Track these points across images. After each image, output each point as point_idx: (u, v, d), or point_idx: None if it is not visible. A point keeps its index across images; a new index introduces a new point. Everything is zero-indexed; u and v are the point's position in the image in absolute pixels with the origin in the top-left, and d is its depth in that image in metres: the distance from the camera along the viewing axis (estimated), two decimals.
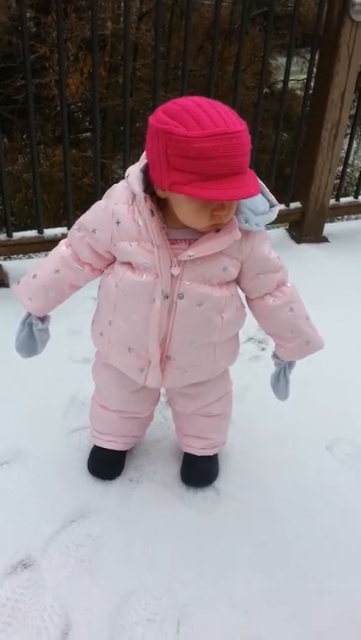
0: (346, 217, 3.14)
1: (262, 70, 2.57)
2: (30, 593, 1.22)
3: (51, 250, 2.40)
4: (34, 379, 1.76)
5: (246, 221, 1.10)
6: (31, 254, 2.50)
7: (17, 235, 2.24)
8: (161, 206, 1.07)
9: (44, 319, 1.29)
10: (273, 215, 1.15)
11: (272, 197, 1.16)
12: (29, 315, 1.27)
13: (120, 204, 1.11)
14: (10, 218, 2.25)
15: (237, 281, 1.20)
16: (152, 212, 1.06)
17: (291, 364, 1.32)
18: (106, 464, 1.48)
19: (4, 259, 2.35)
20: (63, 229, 2.29)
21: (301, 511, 1.44)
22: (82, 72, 7.20)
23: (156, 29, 2.32)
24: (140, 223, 1.08)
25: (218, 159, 0.93)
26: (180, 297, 1.12)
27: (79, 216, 2.14)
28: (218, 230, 1.07)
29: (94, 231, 1.16)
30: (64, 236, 2.29)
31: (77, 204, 2.42)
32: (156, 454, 1.55)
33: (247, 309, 1.27)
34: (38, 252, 2.40)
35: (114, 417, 1.42)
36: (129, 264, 1.15)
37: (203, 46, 8.08)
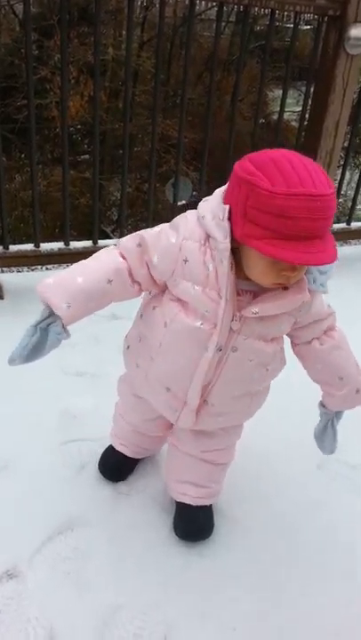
0: (341, 243, 3.19)
1: (258, 101, 2.65)
2: (15, 604, 1.20)
3: (45, 264, 2.40)
4: (25, 391, 1.76)
5: (314, 281, 1.07)
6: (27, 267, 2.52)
7: (13, 248, 2.26)
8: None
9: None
10: (332, 273, 1.11)
11: None
12: (49, 320, 1.08)
13: (191, 241, 1.04)
14: (7, 230, 2.27)
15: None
16: (232, 265, 1.01)
17: (338, 415, 1.27)
18: (113, 466, 1.49)
19: (1, 271, 2.36)
20: (60, 244, 2.32)
21: (291, 529, 1.44)
22: (82, 95, 7.33)
23: (157, 58, 2.39)
24: (210, 268, 1.03)
25: (298, 220, 0.89)
26: (234, 350, 1.09)
27: (75, 236, 2.14)
28: (286, 288, 1.03)
29: (155, 257, 1.08)
30: (60, 250, 2.34)
31: (74, 224, 2.46)
32: (147, 469, 1.55)
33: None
34: (34, 265, 2.42)
35: (128, 428, 1.45)
36: (179, 301, 1.09)
37: (201, 75, 8.28)
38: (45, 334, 1.09)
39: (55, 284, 1.08)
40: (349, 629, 1.25)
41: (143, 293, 1.22)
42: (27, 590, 1.23)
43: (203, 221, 1.03)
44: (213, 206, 1.03)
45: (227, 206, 0.99)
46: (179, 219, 1.09)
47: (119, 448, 1.48)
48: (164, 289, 1.15)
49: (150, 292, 1.21)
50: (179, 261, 1.05)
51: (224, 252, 1.00)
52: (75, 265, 1.13)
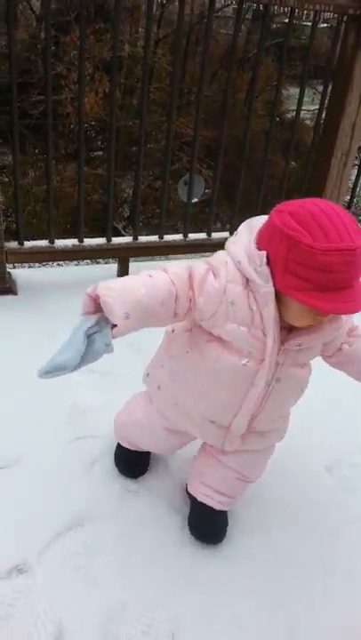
0: None
1: (276, 99, 2.64)
2: (24, 598, 1.21)
3: (59, 260, 2.39)
4: (36, 387, 1.75)
5: None
6: (38, 263, 2.53)
7: (28, 244, 2.27)
8: None
9: None
10: None
11: None
12: (96, 327, 1.02)
13: (235, 284, 1.06)
14: (22, 226, 2.28)
15: None
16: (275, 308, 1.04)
17: None
18: (129, 462, 1.51)
19: (13, 266, 2.37)
20: (74, 241, 2.33)
21: (298, 529, 1.44)
22: (97, 92, 7.35)
23: (175, 55, 2.38)
24: (254, 309, 1.05)
25: (338, 274, 0.93)
26: (277, 381, 1.14)
27: (86, 232, 2.07)
28: None
29: (201, 298, 1.08)
30: (74, 247, 2.35)
31: (86, 220, 2.47)
32: (155, 466, 1.55)
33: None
34: (47, 261, 2.43)
35: (142, 446, 1.47)
36: (220, 341, 1.11)
37: (216, 73, 8.25)
38: (91, 343, 1.01)
39: (118, 288, 1.01)
40: (354, 628, 1.25)
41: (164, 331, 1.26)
42: (36, 585, 1.24)
43: (240, 266, 1.05)
44: (247, 250, 1.04)
45: (263, 253, 1.01)
46: (218, 263, 1.08)
47: (128, 446, 1.49)
48: (191, 325, 1.18)
49: (173, 331, 1.24)
50: (223, 303, 1.06)
51: (268, 295, 1.02)
52: (132, 276, 1.08)
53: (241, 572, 1.32)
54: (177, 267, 1.10)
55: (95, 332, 1.00)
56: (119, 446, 1.53)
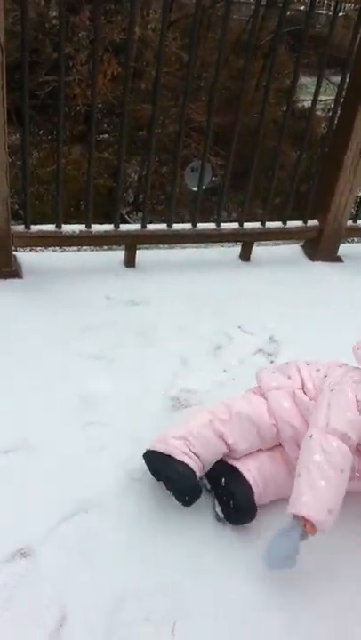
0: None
1: (293, 88, 2.61)
2: (27, 582, 1.22)
3: (66, 246, 2.37)
4: (44, 374, 1.76)
5: None
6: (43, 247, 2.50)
7: (35, 228, 2.24)
8: None
9: None
10: None
11: None
12: (298, 526, 1.22)
13: None
14: (30, 209, 2.25)
15: None
16: None
17: None
18: (193, 489, 1.37)
19: (15, 249, 2.33)
20: (81, 226, 2.30)
21: None
22: (105, 74, 7.24)
23: (190, 44, 2.35)
24: None
25: None
26: None
27: (95, 219, 2.02)
28: None
29: None
30: (82, 233, 2.32)
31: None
32: None
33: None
34: (53, 246, 2.41)
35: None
36: None
37: (227, 59, 8.14)
38: (295, 540, 1.23)
39: (334, 518, 1.22)
40: (348, 630, 1.26)
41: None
42: (39, 569, 1.25)
43: None
44: None
45: None
46: None
47: (190, 462, 1.37)
48: None
49: None
50: None
51: None
52: (323, 482, 1.22)
53: (243, 563, 1.32)
54: (344, 429, 1.27)
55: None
56: (176, 468, 1.36)
